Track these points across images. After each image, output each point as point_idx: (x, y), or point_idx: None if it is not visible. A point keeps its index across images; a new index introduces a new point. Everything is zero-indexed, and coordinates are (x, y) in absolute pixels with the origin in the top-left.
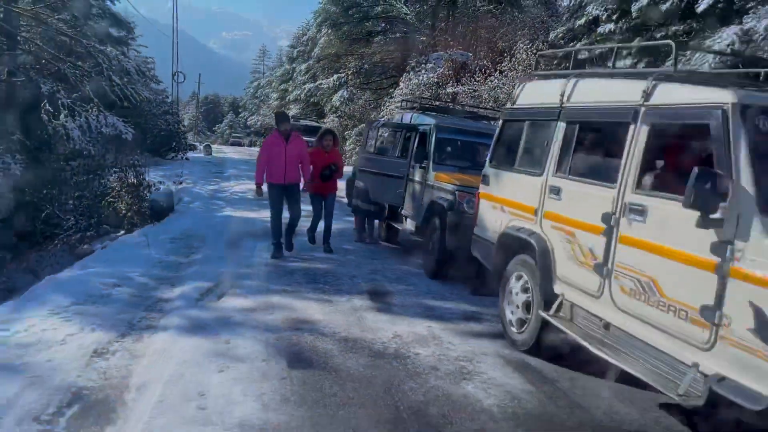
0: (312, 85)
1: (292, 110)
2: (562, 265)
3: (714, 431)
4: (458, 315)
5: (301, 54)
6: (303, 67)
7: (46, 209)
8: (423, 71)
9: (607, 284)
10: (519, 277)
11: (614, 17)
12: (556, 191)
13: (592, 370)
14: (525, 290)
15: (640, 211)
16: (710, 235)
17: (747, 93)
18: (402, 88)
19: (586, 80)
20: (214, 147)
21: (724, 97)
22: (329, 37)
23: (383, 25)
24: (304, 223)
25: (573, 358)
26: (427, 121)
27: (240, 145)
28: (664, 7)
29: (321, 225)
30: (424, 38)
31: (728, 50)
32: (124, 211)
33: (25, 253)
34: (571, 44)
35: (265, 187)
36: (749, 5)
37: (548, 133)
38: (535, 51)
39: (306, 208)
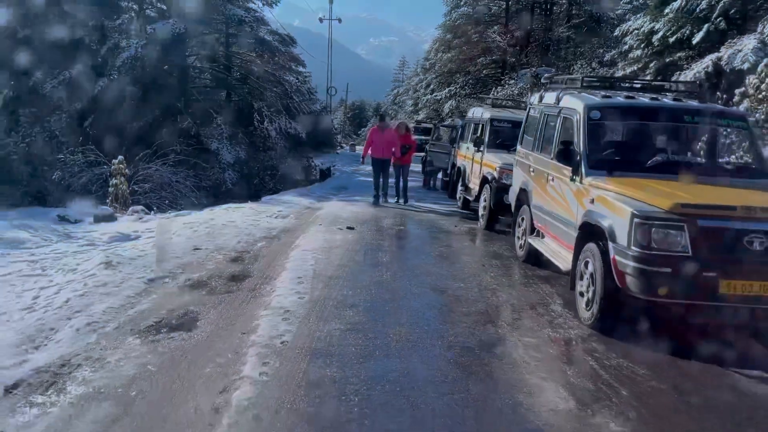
0: (430, 96)
1: (420, 115)
2: (468, 173)
3: None
4: (448, 207)
5: (432, 66)
6: (425, 81)
7: (256, 179)
8: (507, 86)
9: (467, 171)
10: (460, 181)
11: (642, 46)
12: (466, 148)
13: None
14: (460, 186)
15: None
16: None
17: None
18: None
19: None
20: (358, 147)
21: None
22: (444, 59)
23: (492, 45)
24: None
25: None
26: (459, 122)
27: None
28: (671, 39)
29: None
30: (514, 60)
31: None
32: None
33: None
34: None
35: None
36: (728, 39)
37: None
38: (592, 69)
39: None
